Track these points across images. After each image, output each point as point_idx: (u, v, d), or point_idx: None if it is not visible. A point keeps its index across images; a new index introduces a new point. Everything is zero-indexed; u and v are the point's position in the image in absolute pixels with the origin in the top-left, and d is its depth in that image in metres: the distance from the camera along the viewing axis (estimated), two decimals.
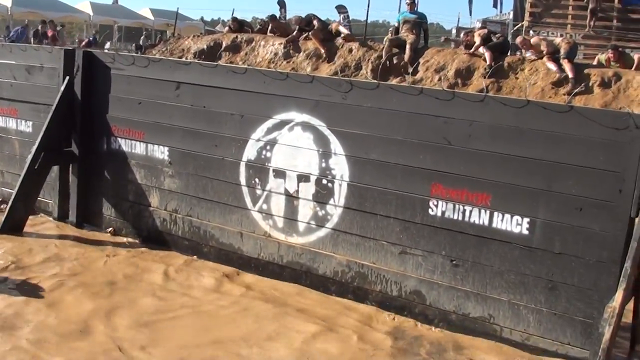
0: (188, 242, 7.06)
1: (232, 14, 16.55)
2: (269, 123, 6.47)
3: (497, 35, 11.05)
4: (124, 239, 7.44)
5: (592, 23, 17.17)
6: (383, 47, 11.34)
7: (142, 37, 32.20)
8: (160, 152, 7.19)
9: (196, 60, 7.82)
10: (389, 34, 12.47)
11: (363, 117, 5.98)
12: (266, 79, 6.53)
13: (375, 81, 6.41)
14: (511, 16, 22.78)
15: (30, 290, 5.88)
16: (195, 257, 6.92)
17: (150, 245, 7.21)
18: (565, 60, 9.99)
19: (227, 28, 14.77)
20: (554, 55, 10.17)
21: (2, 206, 8.17)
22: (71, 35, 42.96)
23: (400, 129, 5.81)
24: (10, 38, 21.76)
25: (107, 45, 29.63)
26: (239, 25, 14.13)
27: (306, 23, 11.75)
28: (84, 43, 19.70)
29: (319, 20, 12.27)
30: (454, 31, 12.43)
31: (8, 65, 8.66)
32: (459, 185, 5.53)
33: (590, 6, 17.00)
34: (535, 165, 5.26)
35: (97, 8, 42.73)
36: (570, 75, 9.84)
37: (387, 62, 10.81)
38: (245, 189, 6.65)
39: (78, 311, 5.50)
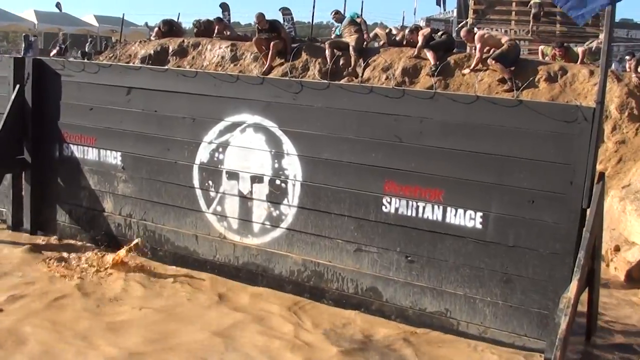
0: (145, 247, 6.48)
1: (178, 18, 15.75)
2: (221, 125, 5.96)
3: (439, 34, 10.62)
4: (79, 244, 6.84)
5: (534, 28, 16.82)
6: (325, 50, 10.82)
7: (87, 44, 30.81)
8: (113, 158, 6.59)
9: (146, 65, 7.22)
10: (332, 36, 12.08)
11: (314, 117, 5.53)
12: (216, 81, 6.02)
13: (326, 81, 5.94)
14: (455, 14, 22.42)
15: None
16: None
17: (104, 249, 6.60)
18: (493, 62, 9.57)
19: (156, 29, 14.04)
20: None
21: None
22: (15, 43, 40.91)
23: (351, 128, 5.38)
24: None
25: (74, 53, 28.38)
26: (168, 27, 13.43)
27: (271, 27, 11.09)
28: (54, 52, 18.66)
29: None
30: (394, 31, 12.02)
31: None
32: (412, 182, 5.11)
33: (533, 11, 16.58)
34: (487, 160, 4.88)
35: (41, 16, 40.18)
36: (507, 76, 9.47)
37: (334, 65, 10.33)
38: (199, 192, 6.12)
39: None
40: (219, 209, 6.04)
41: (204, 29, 13.30)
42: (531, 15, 16.73)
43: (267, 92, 5.77)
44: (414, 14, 45.94)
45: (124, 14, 19.37)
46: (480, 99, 5.01)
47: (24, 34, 31.80)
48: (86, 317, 5.11)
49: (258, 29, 11.17)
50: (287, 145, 5.66)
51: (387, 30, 12.09)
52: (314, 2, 14.52)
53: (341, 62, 10.71)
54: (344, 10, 14.90)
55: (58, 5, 43.97)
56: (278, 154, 5.70)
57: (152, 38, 13.83)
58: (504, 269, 4.87)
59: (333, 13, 11.87)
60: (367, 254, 5.37)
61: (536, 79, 9.42)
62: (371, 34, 11.59)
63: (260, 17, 11.01)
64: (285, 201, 5.71)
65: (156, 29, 14.12)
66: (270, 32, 10.99)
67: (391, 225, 5.23)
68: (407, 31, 11.10)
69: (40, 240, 6.97)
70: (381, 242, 5.30)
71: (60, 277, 5.88)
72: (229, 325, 5.06)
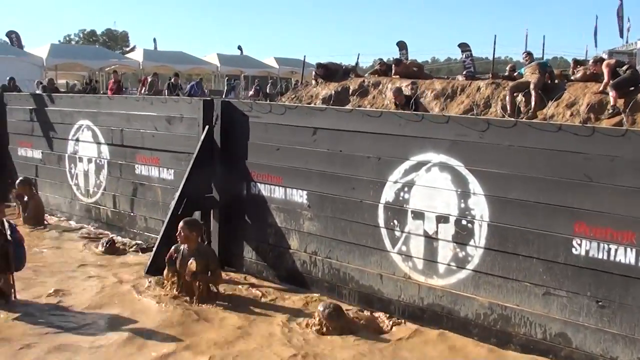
0: (328, 284, 7.76)
1: (357, 59, 17.86)
2: (406, 165, 7.07)
3: (624, 68, 11.16)
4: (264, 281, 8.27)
5: None
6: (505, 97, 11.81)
7: (268, 85, 34.97)
8: (299, 196, 7.96)
9: (331, 107, 8.58)
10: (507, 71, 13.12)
11: (501, 156, 6.44)
12: (401, 121, 7.16)
13: (513, 119, 6.87)
14: (639, 45, 22.58)
15: None
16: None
17: (289, 286, 7.98)
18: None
19: (313, 73, 16.00)
20: None
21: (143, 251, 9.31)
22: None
23: (539, 167, 6.21)
24: (186, 93, 24.55)
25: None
26: (324, 70, 15.26)
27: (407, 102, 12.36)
28: (251, 93, 22.07)
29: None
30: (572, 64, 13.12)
31: (149, 117, 9.85)
32: (603, 223, 5.85)
33: None
34: None
35: (224, 59, 46.97)
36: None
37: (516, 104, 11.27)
38: (384, 231, 7.26)
39: None
40: (404, 248, 7.14)
41: (386, 68, 14.93)
42: None
43: (452, 130, 6.77)
44: (595, 47, 45.53)
45: (305, 56, 21.94)
46: None
47: (226, 77, 37.38)
48: None
49: (395, 103, 12.42)
50: (474, 184, 6.62)
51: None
52: (495, 39, 15.70)
53: (522, 100, 11.59)
54: (526, 44, 15.99)
55: (240, 48, 49.97)
56: (464, 194, 6.69)
57: (313, 81, 15.84)
58: None
59: (525, 54, 12.95)
60: (556, 297, 6.18)
61: None
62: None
63: (397, 92, 12.25)
64: (471, 242, 6.66)
65: (313, 72, 16.21)
66: (407, 107, 12.21)
67: (581, 269, 6.00)
68: (590, 62, 11.78)
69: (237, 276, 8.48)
70: (571, 285, 6.08)
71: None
72: None
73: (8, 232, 7.26)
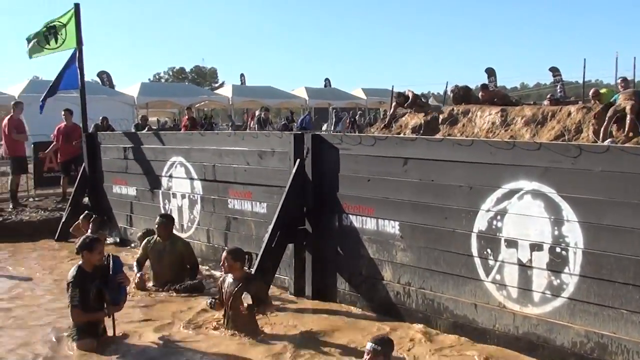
0: (422, 315, 8.12)
1: (446, 87, 18.42)
2: (498, 193, 7.39)
3: None
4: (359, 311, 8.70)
5: None
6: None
7: (356, 117, 36.83)
8: (391, 227, 8.38)
9: (422, 136, 9.02)
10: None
11: (594, 182, 6.68)
12: (492, 149, 7.50)
13: (606, 144, 7.14)
14: None
15: None
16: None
17: (383, 317, 8.37)
18: None
19: (394, 104, 16.62)
20: None
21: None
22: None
23: (634, 192, 6.43)
24: (299, 125, 26.26)
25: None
26: (403, 99, 15.84)
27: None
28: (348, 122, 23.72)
29: None
30: None
31: (241, 152, 10.48)
32: None
33: None
34: None
35: (312, 92, 49.18)
36: None
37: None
38: (477, 260, 7.59)
39: None
40: (498, 277, 7.45)
41: (463, 94, 15.32)
42: None
43: (544, 157, 7.05)
44: None
45: (393, 86, 22.56)
46: None
47: (334, 110, 40.14)
48: None
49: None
50: (567, 211, 6.88)
51: None
52: (584, 63, 16.06)
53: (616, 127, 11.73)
54: (616, 67, 16.24)
55: (326, 81, 52.33)
56: (557, 221, 6.94)
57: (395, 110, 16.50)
58: None
59: (620, 80, 13.15)
60: None
61: None
62: None
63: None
64: (566, 269, 6.91)
65: (394, 102, 16.86)
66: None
67: None
68: None
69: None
70: None
71: None
72: None
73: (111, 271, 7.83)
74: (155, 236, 10.33)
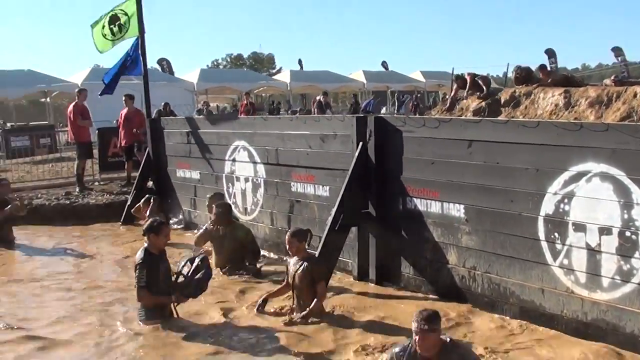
0: (487, 299, 8.13)
1: (507, 68, 18.25)
2: (565, 175, 7.32)
3: None
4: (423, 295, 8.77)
5: None
6: None
7: (412, 99, 37.30)
8: (456, 210, 8.39)
9: (487, 118, 8.98)
10: None
11: None
12: (559, 130, 7.42)
13: None
14: None
15: None
16: None
17: (448, 301, 8.40)
18: None
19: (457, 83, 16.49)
20: None
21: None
22: (344, 103, 49.60)
23: None
24: (363, 109, 26.85)
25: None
26: (463, 82, 15.69)
27: None
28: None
29: None
30: None
31: (303, 136, 10.58)
32: None
33: None
34: None
35: (370, 75, 49.58)
36: None
37: None
38: (544, 244, 7.55)
39: None
40: (565, 262, 7.40)
41: (525, 75, 15.10)
42: None
43: (612, 139, 6.94)
44: None
45: (453, 68, 22.31)
46: None
47: (396, 93, 41.12)
48: None
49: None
50: (637, 194, 6.78)
51: None
52: None
53: None
54: None
55: (384, 64, 52.54)
56: (627, 204, 6.84)
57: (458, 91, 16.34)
58: None
59: None
60: None
61: None
62: None
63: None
64: (636, 254, 6.82)
65: (454, 85, 16.75)
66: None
67: None
68: None
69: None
70: None
71: None
72: None
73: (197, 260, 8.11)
74: (211, 224, 10.53)
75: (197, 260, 8.10)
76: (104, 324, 8.11)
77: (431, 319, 5.57)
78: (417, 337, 5.56)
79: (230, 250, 10.27)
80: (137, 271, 7.91)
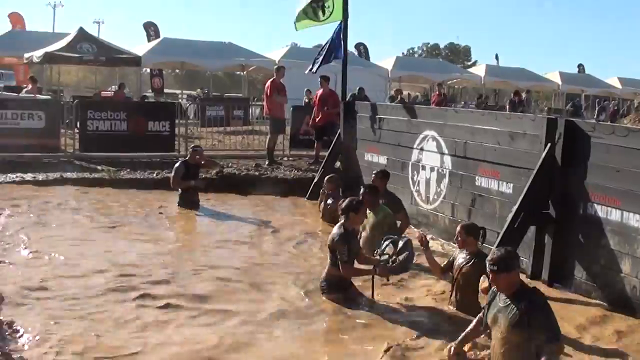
0: None
1: None
2: None
3: None
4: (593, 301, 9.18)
5: None
6: None
7: (609, 105, 37.23)
8: (635, 221, 8.71)
9: None
10: None
11: None
12: None
13: None
14: None
15: None
16: None
17: (618, 311, 8.78)
18: None
19: None
20: None
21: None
22: (537, 103, 49.35)
23: None
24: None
25: None
26: None
27: None
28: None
29: None
30: None
31: (492, 131, 11.19)
32: None
33: None
34: None
35: (566, 77, 49.00)
36: None
37: None
38: None
39: None
40: None
41: None
42: None
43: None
44: None
45: None
46: None
47: (590, 97, 42.23)
48: None
49: None
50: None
51: None
52: None
53: None
54: None
55: (580, 66, 52.35)
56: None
57: None
58: None
59: None
60: None
61: None
62: None
63: None
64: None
65: None
66: None
67: None
68: None
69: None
70: None
71: None
72: None
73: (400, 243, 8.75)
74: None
75: (400, 243, 8.76)
76: (285, 295, 8.86)
77: (500, 262, 6.13)
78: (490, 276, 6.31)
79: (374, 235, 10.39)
80: (338, 247, 8.53)
